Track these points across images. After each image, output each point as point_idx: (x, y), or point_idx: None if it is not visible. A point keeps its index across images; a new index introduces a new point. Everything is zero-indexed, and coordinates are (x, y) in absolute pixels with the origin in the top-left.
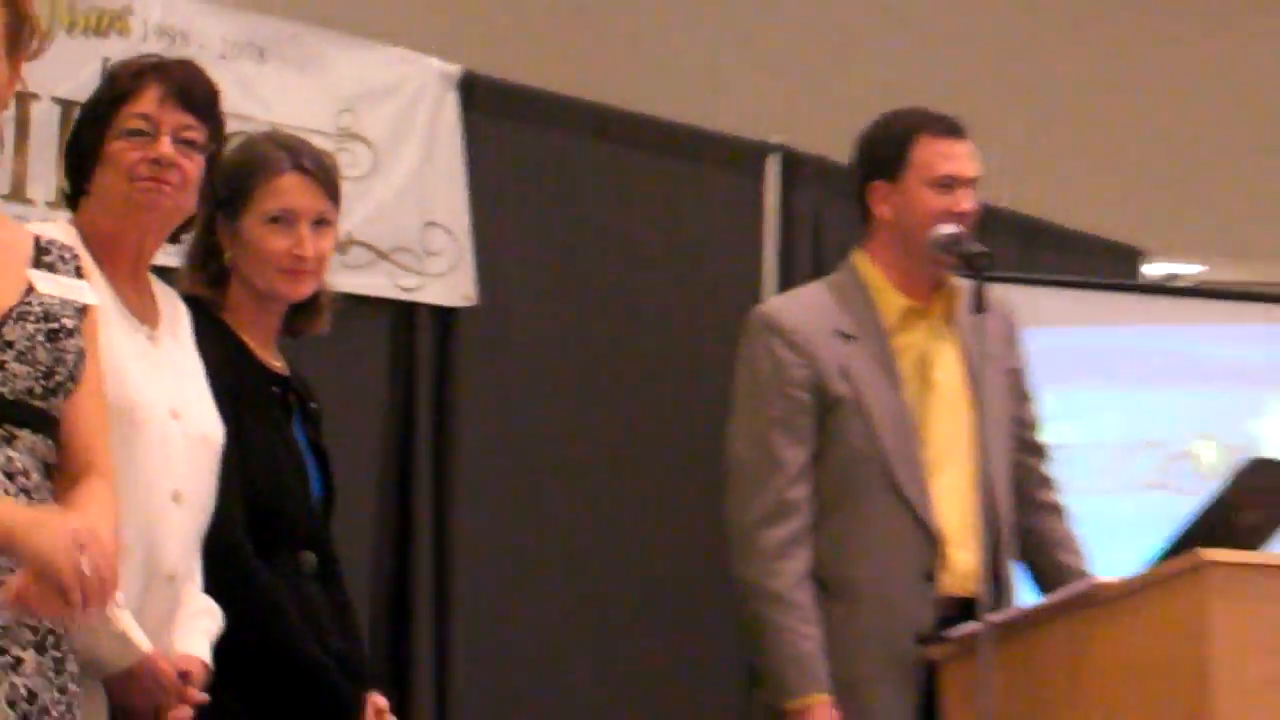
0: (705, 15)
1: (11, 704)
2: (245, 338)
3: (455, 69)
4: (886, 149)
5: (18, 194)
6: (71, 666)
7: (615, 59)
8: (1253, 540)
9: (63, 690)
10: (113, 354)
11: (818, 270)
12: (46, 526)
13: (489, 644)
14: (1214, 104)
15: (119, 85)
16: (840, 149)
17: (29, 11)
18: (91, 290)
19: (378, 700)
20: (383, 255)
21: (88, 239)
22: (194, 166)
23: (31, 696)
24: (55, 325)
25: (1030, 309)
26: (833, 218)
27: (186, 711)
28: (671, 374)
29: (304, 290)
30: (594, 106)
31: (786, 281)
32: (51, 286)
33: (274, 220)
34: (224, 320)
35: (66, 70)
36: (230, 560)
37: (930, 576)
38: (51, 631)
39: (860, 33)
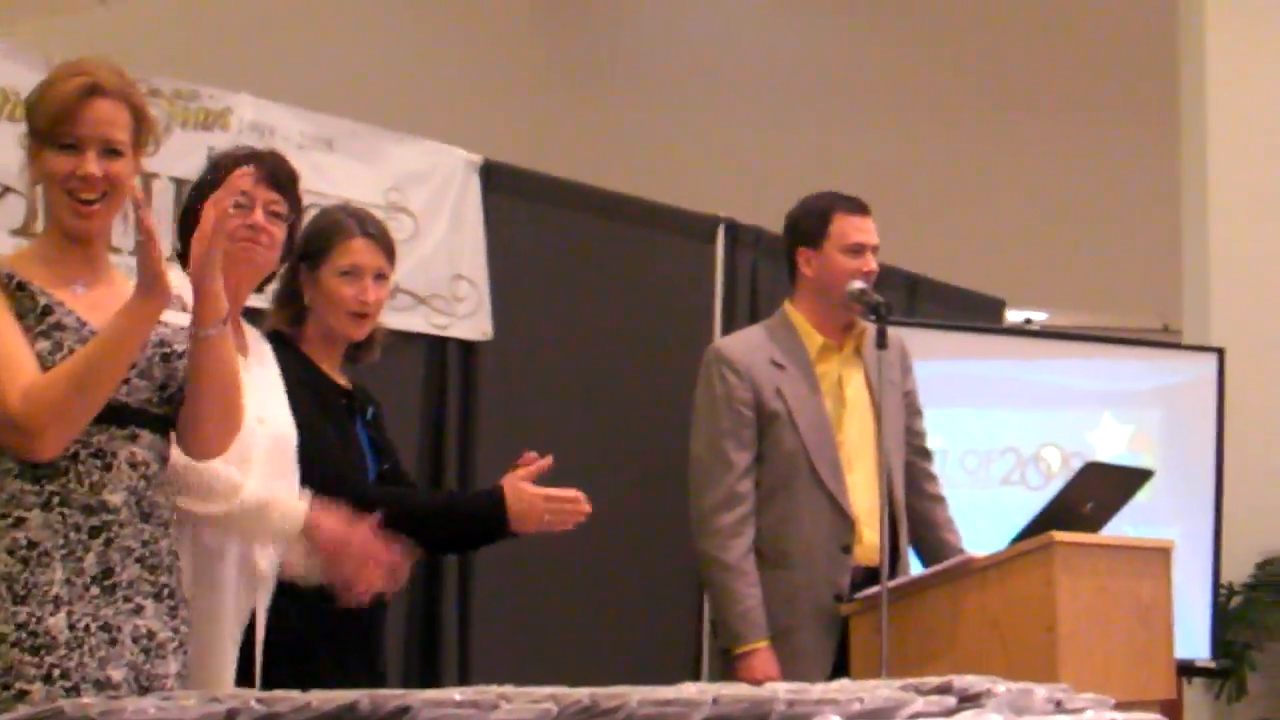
0: (670, 110)
1: (135, 639)
2: (318, 362)
3: (478, 158)
4: (810, 223)
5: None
6: (183, 612)
7: (601, 149)
8: (1089, 526)
9: (175, 631)
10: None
11: (754, 315)
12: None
13: (503, 609)
14: (1060, 187)
15: (222, 169)
16: (772, 220)
17: (147, 114)
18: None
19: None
20: (421, 300)
21: None
22: (279, 232)
23: (150, 634)
24: (168, 349)
25: (918, 346)
26: (766, 274)
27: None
28: (642, 395)
29: (365, 331)
30: (582, 187)
31: (730, 324)
32: (164, 317)
33: (345, 274)
34: (302, 350)
35: (180, 155)
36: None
37: (847, 549)
38: (166, 585)
39: (787, 131)
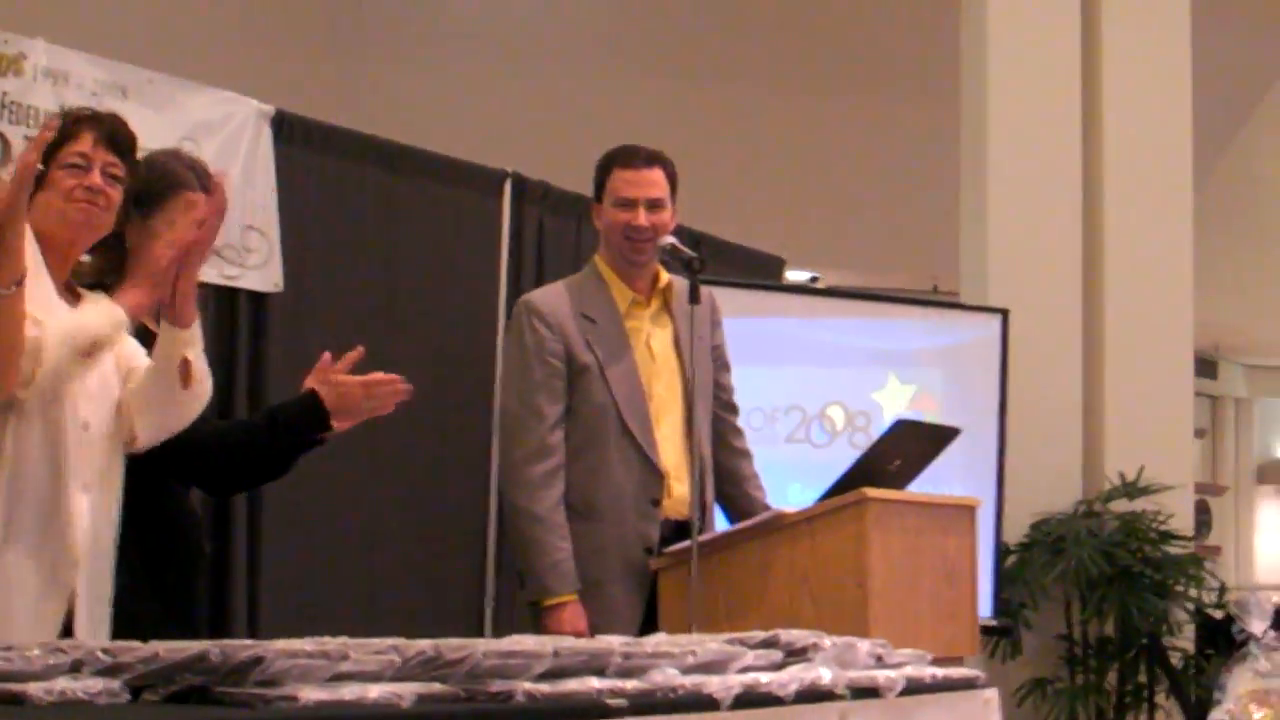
0: (462, 64)
1: None
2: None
3: (270, 108)
4: (596, 178)
5: None
6: None
7: (389, 101)
8: (895, 483)
9: None
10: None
11: (540, 269)
12: None
13: (291, 560)
14: (839, 154)
15: (62, 128)
16: (559, 176)
17: None
18: None
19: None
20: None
21: (36, 237)
22: (116, 195)
23: None
24: None
25: None
26: (552, 228)
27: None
28: (430, 346)
29: None
30: (372, 139)
31: (516, 278)
32: None
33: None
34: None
35: None
36: None
37: (656, 503)
38: None
39: (575, 88)
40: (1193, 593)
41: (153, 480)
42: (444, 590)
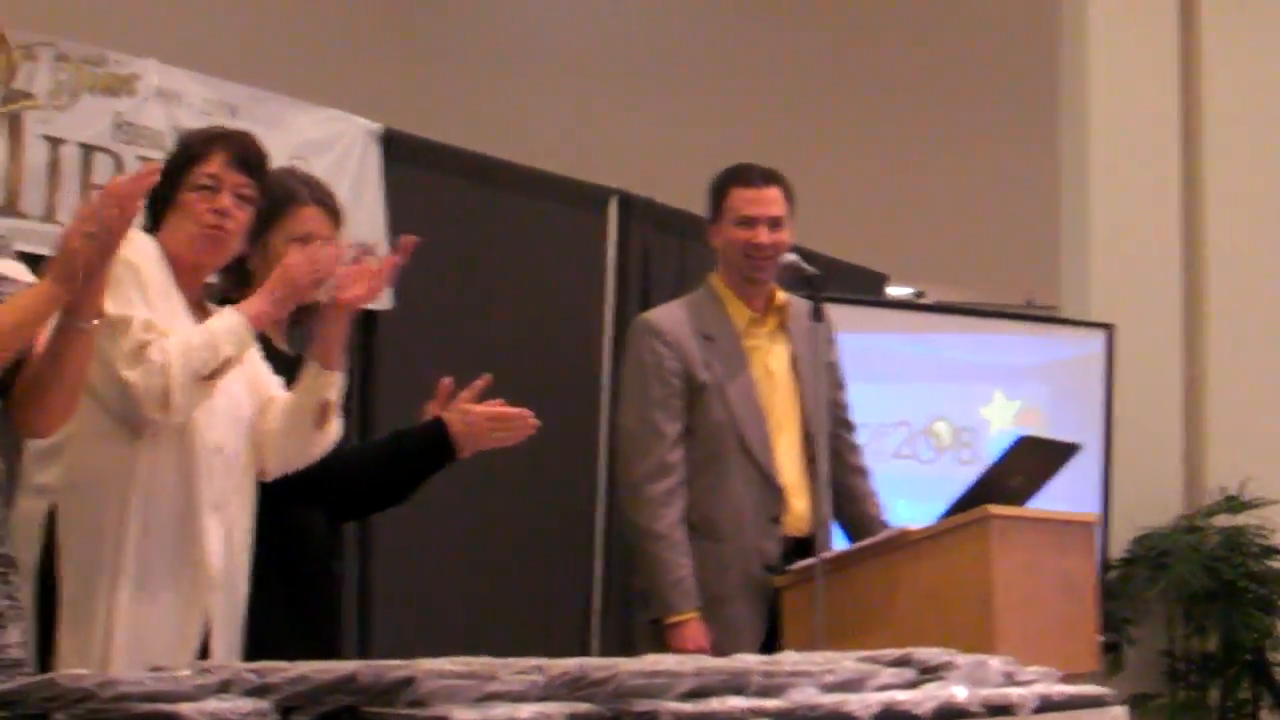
0: (568, 82)
1: None
2: (271, 334)
3: (378, 126)
4: (712, 198)
5: (49, 216)
6: (13, 577)
7: (496, 119)
8: (1016, 499)
9: (11, 599)
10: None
11: (646, 287)
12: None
13: (401, 579)
14: (940, 171)
15: (191, 147)
16: (665, 194)
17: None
18: None
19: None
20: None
21: (169, 258)
22: (245, 216)
23: None
24: None
25: None
26: (658, 246)
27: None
28: (536, 364)
29: (311, 297)
30: (480, 157)
31: (622, 296)
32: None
33: (295, 240)
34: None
35: (87, 121)
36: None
37: (775, 519)
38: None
39: (681, 106)
40: None
41: (283, 501)
42: (551, 608)
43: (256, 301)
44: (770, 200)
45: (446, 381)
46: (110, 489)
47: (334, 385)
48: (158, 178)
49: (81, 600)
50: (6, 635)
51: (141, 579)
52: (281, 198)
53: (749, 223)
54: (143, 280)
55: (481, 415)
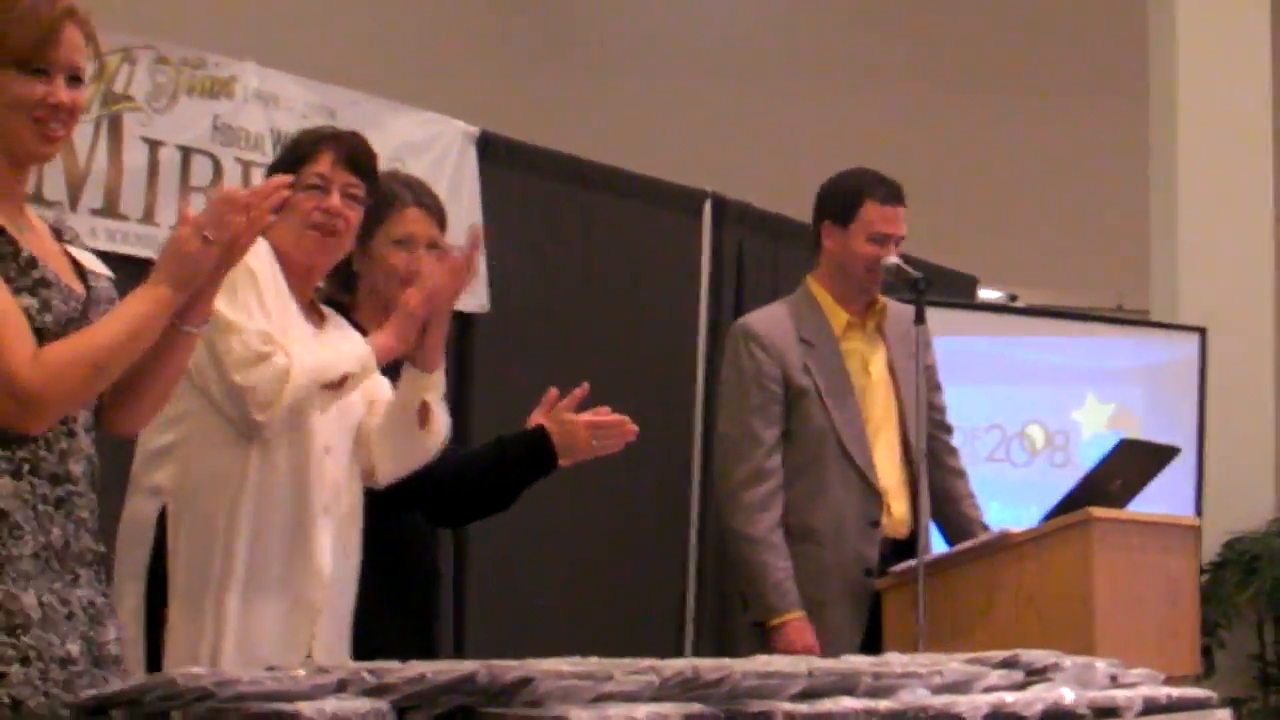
0: (662, 83)
1: (83, 609)
2: (369, 330)
3: (475, 129)
4: (841, 200)
5: (148, 218)
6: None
7: (591, 121)
8: (1116, 502)
9: (105, 595)
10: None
11: (740, 290)
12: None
13: (496, 578)
14: (1028, 173)
15: (302, 147)
16: (757, 196)
17: (96, 39)
18: None
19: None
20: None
21: (279, 258)
22: (355, 216)
23: (91, 603)
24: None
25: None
26: (751, 249)
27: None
28: (631, 368)
29: None
30: (574, 159)
31: (716, 299)
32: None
33: (398, 243)
34: (355, 318)
35: (187, 123)
36: None
37: (875, 523)
38: (99, 551)
39: (771, 107)
40: None
41: (387, 505)
42: (646, 612)
43: (382, 337)
44: (901, 220)
45: (553, 391)
46: (223, 491)
47: (434, 386)
48: (289, 192)
49: (190, 601)
50: (105, 632)
51: (252, 581)
52: (384, 200)
53: (882, 240)
54: (260, 286)
55: (582, 424)
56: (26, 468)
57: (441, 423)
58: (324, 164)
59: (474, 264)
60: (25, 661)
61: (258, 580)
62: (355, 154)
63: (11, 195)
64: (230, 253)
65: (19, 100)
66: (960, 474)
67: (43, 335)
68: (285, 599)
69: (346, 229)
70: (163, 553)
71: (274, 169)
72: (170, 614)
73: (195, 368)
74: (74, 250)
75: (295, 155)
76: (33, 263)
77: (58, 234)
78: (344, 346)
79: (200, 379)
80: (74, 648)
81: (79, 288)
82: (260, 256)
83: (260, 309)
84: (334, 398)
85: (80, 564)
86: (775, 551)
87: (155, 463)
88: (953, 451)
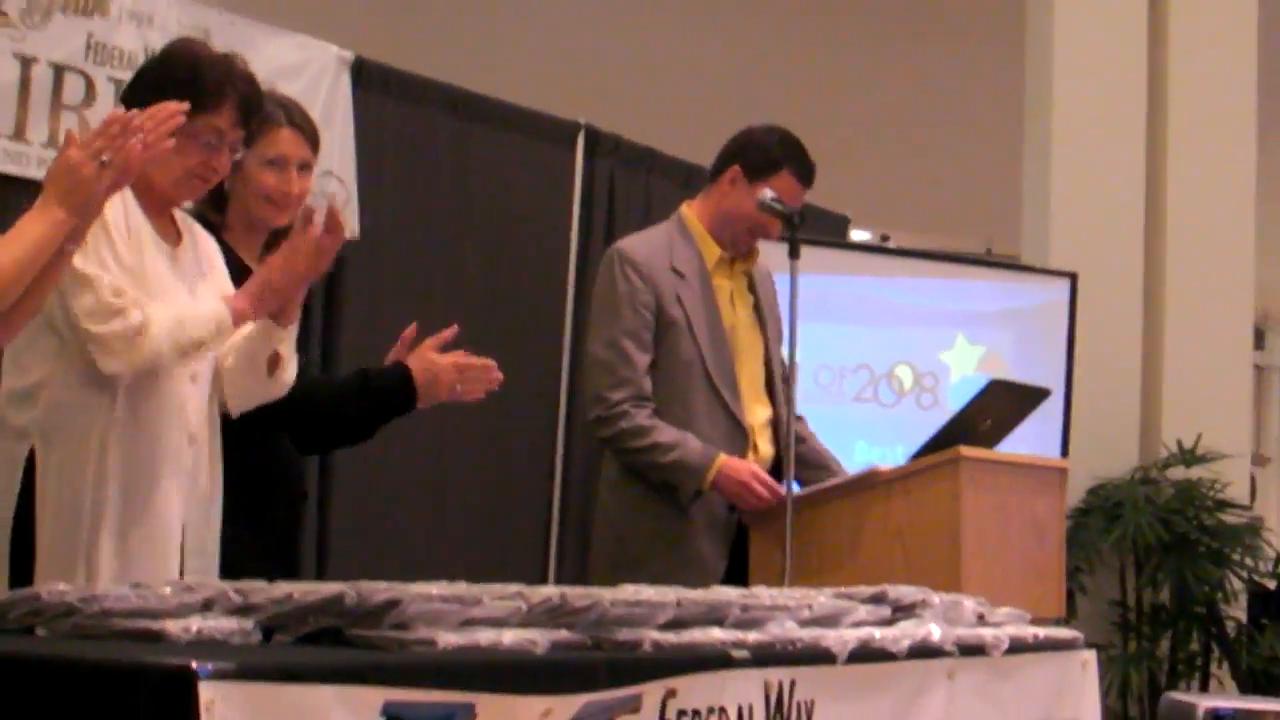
0: (538, 17)
1: None
2: (238, 250)
3: (349, 54)
4: (759, 156)
5: (19, 136)
6: None
7: (467, 49)
8: (986, 442)
9: None
10: (145, 269)
11: (611, 220)
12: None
13: (359, 504)
14: (903, 115)
15: (204, 85)
16: (629, 129)
17: None
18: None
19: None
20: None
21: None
22: (228, 164)
23: None
24: None
25: (773, 261)
26: (623, 181)
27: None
28: (502, 296)
29: (285, 219)
30: (449, 87)
31: (587, 229)
32: None
33: (270, 163)
34: (224, 238)
35: (60, 40)
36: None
37: (741, 457)
38: None
39: (645, 33)
40: (1248, 562)
41: (249, 428)
42: (509, 534)
43: (240, 301)
44: (802, 200)
45: (411, 329)
46: (90, 431)
47: (287, 340)
48: (184, 119)
49: (61, 548)
50: None
51: (123, 517)
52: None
53: (781, 214)
54: (112, 235)
55: (446, 366)
56: None
57: (290, 370)
58: (225, 119)
59: (340, 241)
60: None
61: (129, 515)
62: (252, 109)
63: None
64: (123, 176)
65: None
66: (799, 417)
67: None
68: (155, 531)
69: (221, 177)
70: (30, 498)
71: (162, 82)
72: (39, 563)
73: (50, 313)
74: None
75: (197, 88)
76: None
77: None
78: (201, 308)
79: (58, 324)
80: None
81: None
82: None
83: (115, 260)
84: (185, 362)
85: None
86: (665, 431)
87: (19, 405)
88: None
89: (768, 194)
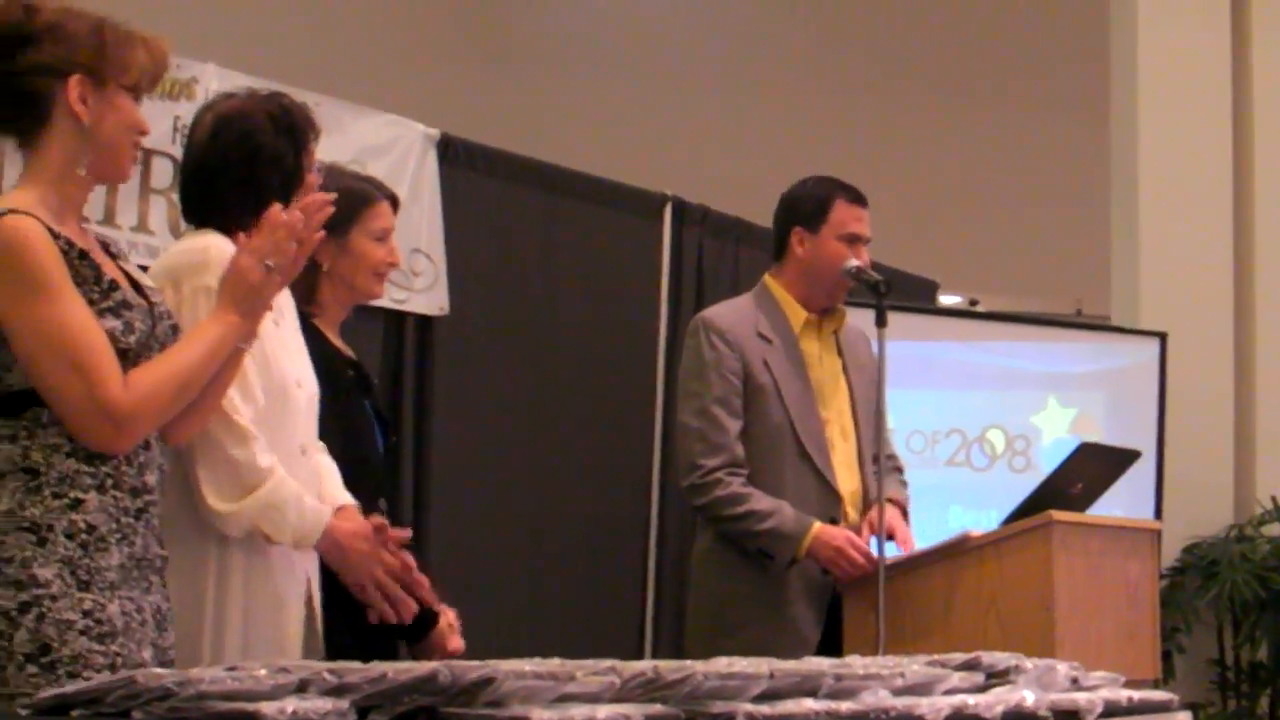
0: (622, 90)
1: (153, 615)
2: (328, 334)
3: (435, 132)
4: (810, 205)
5: (109, 220)
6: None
7: (551, 124)
8: (1078, 506)
9: (167, 600)
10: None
11: (700, 292)
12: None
13: (455, 576)
14: (990, 179)
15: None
16: (716, 199)
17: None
18: None
19: (449, 613)
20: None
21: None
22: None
23: (158, 609)
24: (175, 324)
25: (864, 327)
26: (711, 252)
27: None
28: (592, 369)
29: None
30: (536, 163)
31: (676, 301)
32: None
33: (378, 238)
34: (316, 324)
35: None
36: None
37: (834, 521)
38: (165, 557)
39: (731, 112)
40: None
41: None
42: (605, 603)
43: (345, 527)
44: (867, 221)
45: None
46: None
47: None
48: (332, 209)
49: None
50: (167, 637)
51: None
52: (359, 197)
53: (852, 240)
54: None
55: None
56: (110, 482)
57: None
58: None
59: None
60: (112, 668)
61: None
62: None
63: (78, 216)
64: (286, 277)
65: (134, 124)
66: (906, 481)
67: (125, 356)
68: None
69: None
70: None
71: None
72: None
73: None
74: (127, 265)
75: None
76: (114, 285)
77: (105, 248)
78: (317, 515)
79: None
80: (146, 654)
81: (144, 305)
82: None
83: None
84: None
85: (151, 570)
86: (759, 499)
87: None
88: (893, 457)
89: (851, 263)
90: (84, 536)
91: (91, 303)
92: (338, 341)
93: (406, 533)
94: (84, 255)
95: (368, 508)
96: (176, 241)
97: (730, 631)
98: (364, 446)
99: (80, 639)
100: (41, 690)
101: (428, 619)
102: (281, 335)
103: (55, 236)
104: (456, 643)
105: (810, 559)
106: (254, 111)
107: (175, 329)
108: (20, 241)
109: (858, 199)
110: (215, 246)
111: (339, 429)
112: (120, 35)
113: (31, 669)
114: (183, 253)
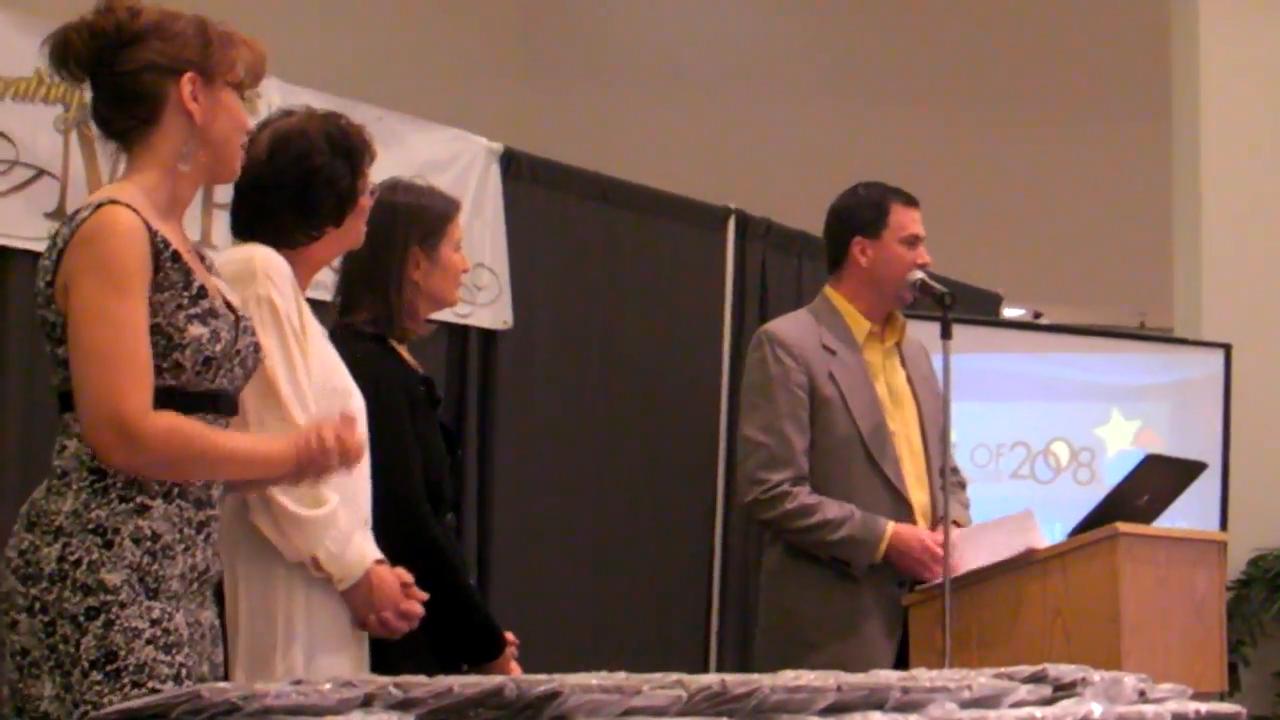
0: (685, 101)
1: (209, 630)
2: (402, 352)
3: (498, 146)
4: (867, 213)
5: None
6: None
7: (614, 137)
8: (1144, 518)
9: (219, 615)
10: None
11: (763, 304)
12: (282, 437)
13: (517, 592)
14: (1052, 191)
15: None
16: (779, 212)
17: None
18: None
19: (510, 636)
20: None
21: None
22: None
23: (213, 625)
24: (256, 340)
25: (926, 339)
26: (774, 265)
27: (418, 609)
28: (655, 382)
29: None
30: (599, 176)
31: (740, 313)
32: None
33: (458, 248)
34: (393, 346)
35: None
36: (418, 522)
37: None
38: (220, 572)
39: (792, 125)
40: None
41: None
42: (670, 617)
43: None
44: (920, 221)
45: None
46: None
47: None
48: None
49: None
50: (219, 653)
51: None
52: (440, 212)
53: (913, 241)
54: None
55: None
56: (176, 490)
57: None
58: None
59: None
60: (177, 679)
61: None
62: None
63: (182, 214)
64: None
65: (242, 123)
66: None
67: (209, 365)
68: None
69: None
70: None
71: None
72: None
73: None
74: (218, 280)
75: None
76: (203, 292)
77: (200, 258)
78: (359, 548)
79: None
80: (204, 668)
81: (231, 317)
82: (286, 295)
83: (306, 372)
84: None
85: (208, 585)
86: (830, 506)
87: None
88: (955, 470)
89: (917, 275)
90: (149, 544)
91: (180, 307)
92: (410, 359)
93: (423, 599)
94: (177, 257)
95: (442, 524)
96: (220, 253)
97: (804, 651)
98: (440, 465)
99: (147, 648)
100: (105, 700)
101: (495, 641)
102: (328, 349)
103: (153, 234)
104: (514, 670)
105: (887, 562)
106: (312, 131)
107: (257, 347)
108: (111, 231)
109: (910, 201)
110: (260, 256)
111: (419, 448)
112: (222, 34)
113: (96, 676)
114: (227, 264)
